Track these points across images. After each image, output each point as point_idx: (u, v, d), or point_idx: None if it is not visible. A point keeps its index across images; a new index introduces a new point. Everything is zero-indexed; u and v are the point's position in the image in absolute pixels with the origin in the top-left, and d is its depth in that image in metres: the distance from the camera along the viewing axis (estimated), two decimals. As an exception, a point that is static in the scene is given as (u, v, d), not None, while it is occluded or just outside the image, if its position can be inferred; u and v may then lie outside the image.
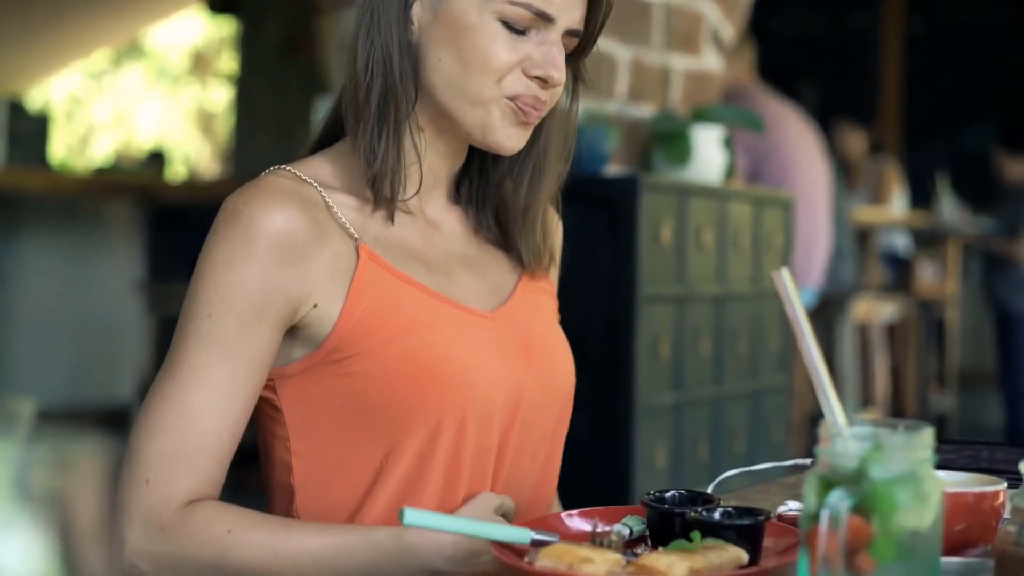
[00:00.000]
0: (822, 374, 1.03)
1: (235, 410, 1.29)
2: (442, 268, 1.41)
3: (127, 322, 5.15)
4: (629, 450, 2.81)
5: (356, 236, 1.35)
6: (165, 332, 4.24)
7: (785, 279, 1.03)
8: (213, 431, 1.28)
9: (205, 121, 13.21)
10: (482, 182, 1.47)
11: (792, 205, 3.53)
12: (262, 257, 1.28)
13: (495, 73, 1.34)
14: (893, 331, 5.63)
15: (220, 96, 12.63)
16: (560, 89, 1.39)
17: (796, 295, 1.04)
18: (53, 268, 5.14)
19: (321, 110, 3.67)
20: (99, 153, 12.78)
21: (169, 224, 5.12)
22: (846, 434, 0.98)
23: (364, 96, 1.36)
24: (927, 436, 0.99)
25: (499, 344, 1.39)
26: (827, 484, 0.97)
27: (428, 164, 1.40)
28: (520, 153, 1.42)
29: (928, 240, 6.68)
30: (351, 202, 1.37)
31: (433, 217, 1.43)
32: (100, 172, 6.46)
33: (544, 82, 1.35)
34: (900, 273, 6.50)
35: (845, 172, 6.44)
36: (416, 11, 1.37)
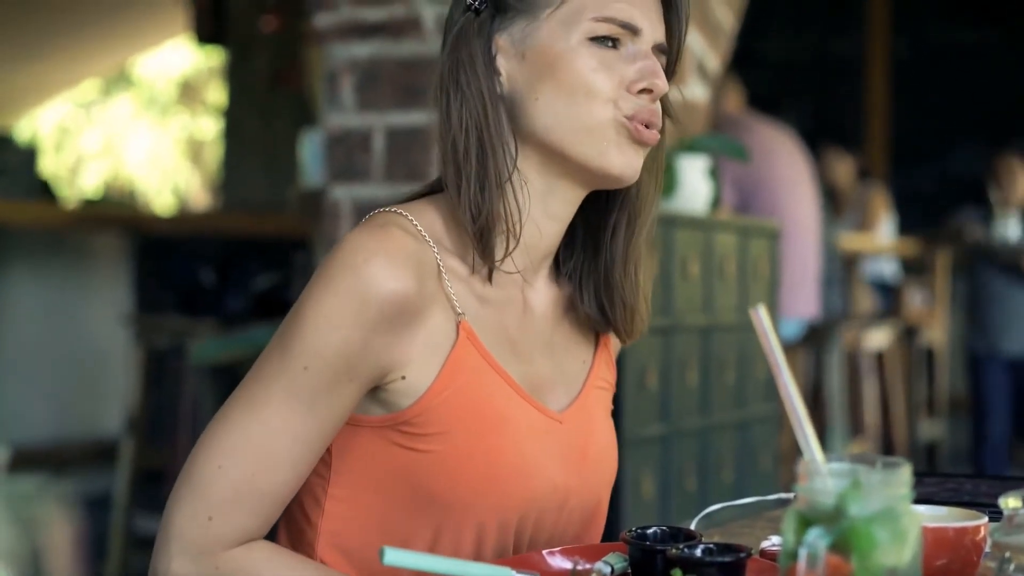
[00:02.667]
0: (800, 411, 1.02)
1: (307, 461, 1.28)
2: (527, 356, 1.37)
3: (115, 354, 5.14)
4: (616, 481, 2.80)
5: (460, 311, 1.31)
6: (153, 364, 4.23)
7: (762, 316, 1.03)
8: (283, 481, 1.26)
9: (194, 150, 13.22)
10: (587, 255, 1.42)
11: (778, 235, 3.53)
12: (371, 323, 1.25)
13: (603, 95, 1.31)
14: (882, 358, 5.63)
15: (209, 125, 12.64)
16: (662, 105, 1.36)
17: (773, 332, 1.04)
18: (40, 300, 5.14)
19: (308, 140, 3.68)
20: (88, 183, 12.78)
21: (157, 256, 5.11)
22: (824, 472, 0.98)
23: (463, 155, 1.31)
24: (905, 473, 0.99)
25: (561, 450, 1.36)
26: (805, 522, 0.96)
27: (542, 231, 1.36)
28: (616, 204, 1.39)
29: (916, 267, 6.69)
30: (460, 269, 1.33)
31: (531, 299, 1.39)
32: (88, 204, 6.47)
33: (650, 92, 1.33)
34: (888, 300, 6.51)
35: (832, 199, 6.46)
36: (501, 62, 1.34)
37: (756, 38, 6.90)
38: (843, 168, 6.71)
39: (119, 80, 12.66)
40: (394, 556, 1.12)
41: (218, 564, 1.25)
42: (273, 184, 6.74)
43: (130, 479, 4.14)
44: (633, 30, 1.33)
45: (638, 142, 1.33)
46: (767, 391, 3.42)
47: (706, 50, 3.62)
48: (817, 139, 6.55)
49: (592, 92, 1.31)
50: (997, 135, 6.87)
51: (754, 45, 6.88)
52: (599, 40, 1.32)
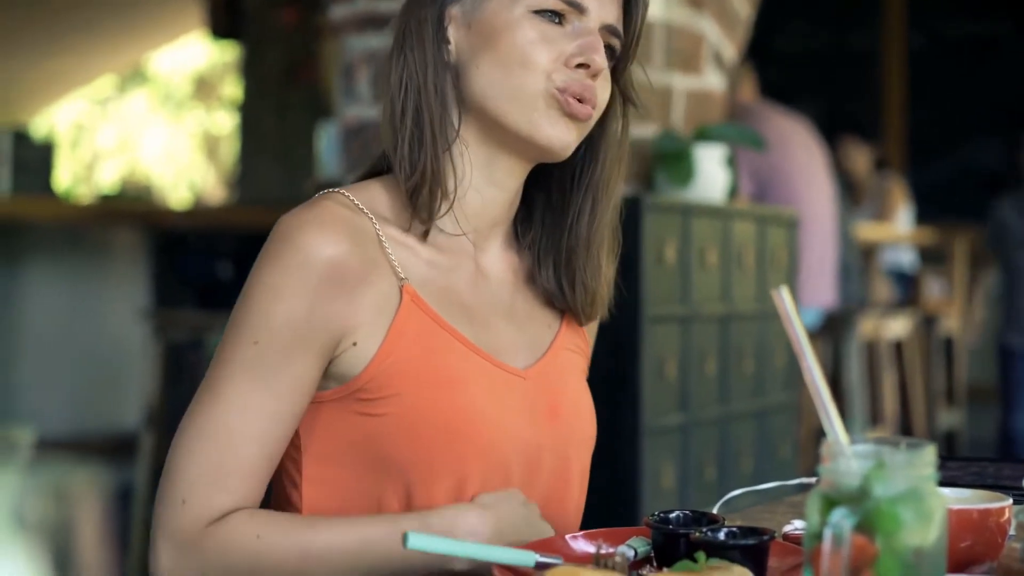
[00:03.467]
0: (823, 393, 1.02)
1: (275, 436, 1.29)
2: (483, 319, 1.38)
3: (132, 349, 5.15)
4: (636, 471, 2.80)
5: (403, 276, 1.33)
6: (171, 358, 4.24)
7: (785, 298, 1.03)
8: (251, 455, 1.28)
9: (210, 145, 13.24)
10: (546, 230, 1.44)
11: (796, 223, 3.52)
12: (312, 289, 1.28)
13: (538, 68, 1.33)
14: (900, 348, 5.61)
15: (224, 121, 12.66)
16: (606, 91, 1.38)
17: (796, 314, 1.03)
18: (58, 296, 5.15)
19: (324, 134, 3.68)
20: (104, 180, 12.81)
21: (174, 251, 5.12)
22: (848, 453, 0.98)
23: (399, 116, 1.35)
24: (929, 453, 0.99)
25: (527, 405, 1.37)
26: (830, 503, 0.96)
27: (484, 198, 1.38)
28: (581, 186, 1.41)
29: (934, 256, 6.67)
30: (402, 237, 1.35)
31: (485, 264, 1.41)
32: (105, 199, 6.48)
33: (587, 67, 1.34)
34: (906, 290, 6.49)
35: (850, 189, 6.44)
36: (451, 31, 1.37)
37: (773, 31, 6.89)
38: (861, 158, 6.69)
39: (135, 76, 12.68)
40: (417, 540, 1.12)
41: (200, 544, 1.26)
42: (289, 178, 6.75)
43: (150, 473, 4.15)
44: (579, 8, 1.35)
45: (569, 115, 1.34)
46: (786, 380, 3.41)
47: (722, 40, 3.61)
48: (834, 132, 6.53)
49: (527, 63, 1.33)
50: (1014, 127, 6.84)
51: (771, 38, 6.86)
52: (543, 14, 1.34)
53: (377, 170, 1.42)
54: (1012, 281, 5.88)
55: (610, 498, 2.78)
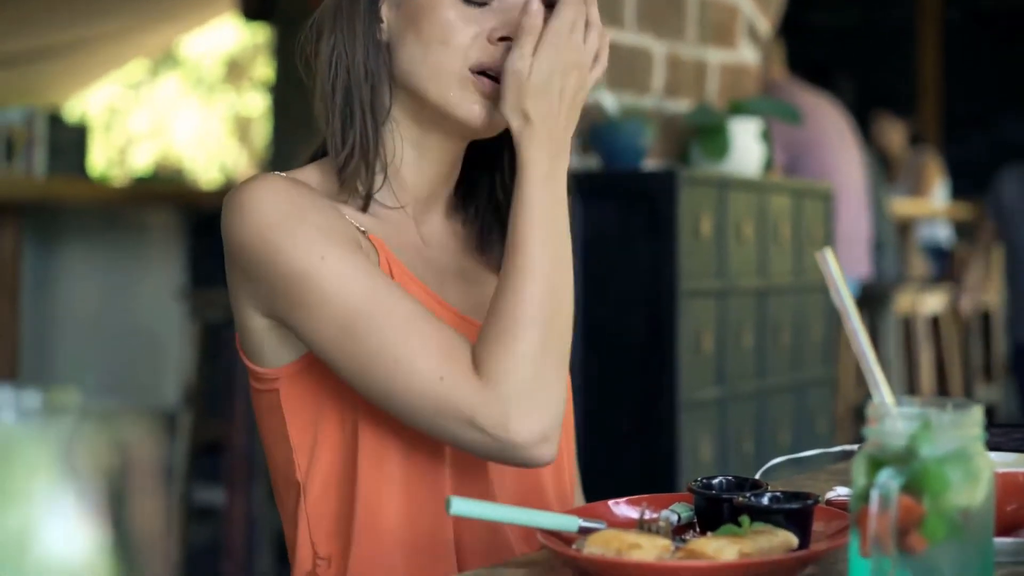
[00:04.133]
0: (869, 355, 1.02)
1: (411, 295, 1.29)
2: (436, 279, 1.40)
3: (170, 329, 5.18)
4: (673, 445, 2.80)
5: (362, 229, 1.35)
6: (208, 338, 4.26)
7: (829, 259, 1.02)
8: (426, 311, 1.27)
9: (242, 128, 13.27)
10: (491, 206, 1.45)
11: (832, 196, 3.51)
12: (311, 206, 1.29)
13: (455, 46, 1.33)
14: (937, 323, 5.59)
15: (256, 103, 12.69)
16: None
17: (840, 276, 1.03)
18: (94, 277, 5.18)
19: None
20: (138, 164, 12.86)
21: (209, 231, 5.14)
22: (895, 413, 0.97)
23: (331, 94, 1.36)
24: (976, 414, 0.98)
25: None
26: (876, 464, 0.96)
27: (420, 172, 1.39)
28: (499, 146, 1.42)
29: (970, 231, 6.63)
30: (342, 208, 1.36)
31: (425, 233, 1.42)
32: (139, 181, 6.51)
33: (510, 39, 1.33)
34: (943, 265, 6.45)
35: (885, 164, 6.40)
36: (384, 10, 1.38)
37: (807, 6, 6.84)
38: (896, 134, 6.65)
39: (166, 60, 12.72)
40: (461, 506, 1.13)
41: (495, 395, 1.24)
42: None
43: (189, 451, 4.18)
44: None
45: (483, 94, 1.34)
46: (824, 353, 3.40)
47: (757, 13, 3.59)
48: (868, 107, 6.49)
49: (446, 41, 1.33)
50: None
51: (805, 13, 6.81)
52: None
53: (315, 159, 1.43)
54: (1015, 269, 5.59)
55: (649, 472, 2.78)
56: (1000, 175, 5.58)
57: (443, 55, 1.33)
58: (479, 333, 1.27)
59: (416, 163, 1.39)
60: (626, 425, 2.82)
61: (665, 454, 2.80)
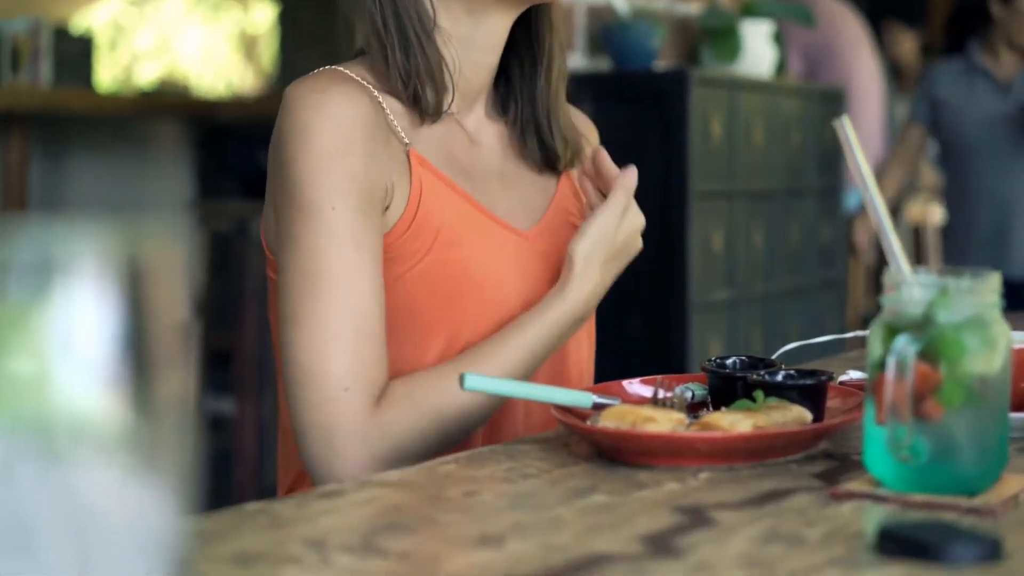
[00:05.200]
0: (885, 223, 1.01)
1: (381, 292, 1.28)
2: (482, 182, 1.40)
3: (178, 240, 5.17)
4: (684, 346, 2.80)
5: (407, 141, 1.34)
6: (216, 248, 4.25)
7: (847, 128, 1.01)
8: (378, 318, 1.26)
9: (247, 45, 13.18)
10: (525, 99, 1.44)
11: (842, 99, 3.48)
12: (359, 144, 1.28)
13: None
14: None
15: (262, 19, 12.59)
16: None
17: (857, 145, 1.02)
18: (102, 188, 5.17)
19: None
20: (143, 81, 12.79)
21: (216, 141, 5.12)
22: (912, 281, 0.97)
23: (382, 27, 1.35)
24: (994, 281, 0.98)
25: (530, 264, 1.39)
26: (893, 332, 0.95)
27: (471, 65, 1.39)
28: (542, 41, 1.42)
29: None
30: (397, 107, 1.36)
31: (472, 131, 1.42)
32: (146, 94, 6.47)
33: None
34: (953, 176, 6.40)
35: (896, 75, 6.35)
36: None
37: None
38: (907, 44, 6.58)
39: (171, -24, 12.60)
40: (474, 382, 1.12)
41: (382, 420, 1.23)
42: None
43: (199, 362, 4.19)
44: None
45: None
46: (832, 257, 3.39)
47: (768, -86, 3.54)
48: (880, 17, 6.42)
49: None
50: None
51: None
52: None
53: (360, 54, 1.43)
54: (964, 182, 3.96)
55: (658, 374, 2.78)
56: (928, 70, 4.37)
57: None
58: (407, 377, 1.26)
59: (467, 58, 1.38)
60: (637, 327, 2.82)
61: (675, 356, 2.80)
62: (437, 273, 1.32)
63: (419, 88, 1.34)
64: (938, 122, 3.97)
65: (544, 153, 1.45)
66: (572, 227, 1.45)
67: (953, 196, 4.02)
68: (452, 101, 1.37)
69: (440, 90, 1.36)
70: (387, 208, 1.31)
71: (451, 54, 1.37)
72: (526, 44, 1.44)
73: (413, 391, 1.25)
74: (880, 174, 4.06)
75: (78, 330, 0.47)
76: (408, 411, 1.24)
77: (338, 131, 1.28)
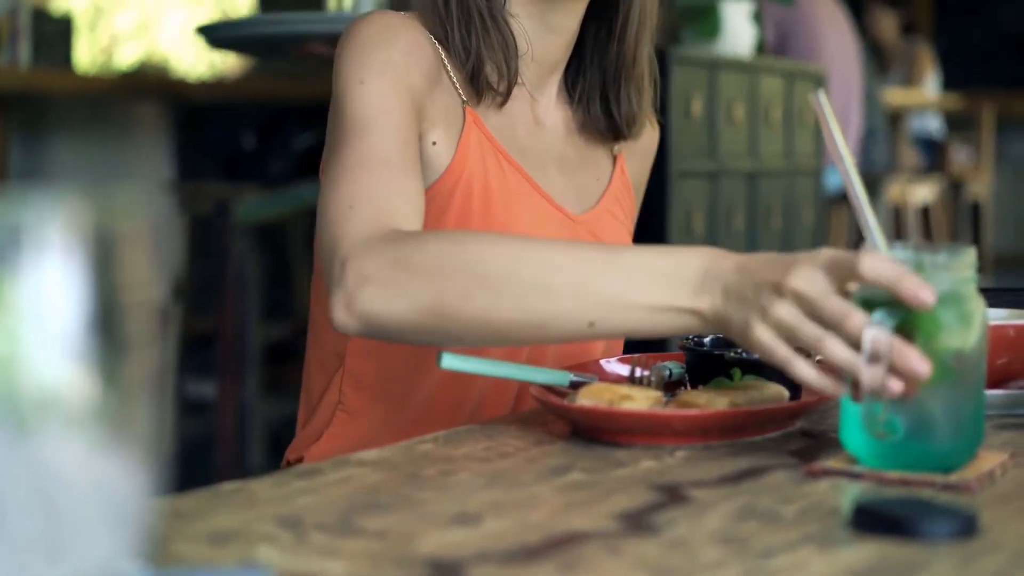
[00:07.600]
0: (861, 196, 1.01)
1: (413, 145, 1.26)
2: (539, 162, 1.38)
3: (158, 223, 5.16)
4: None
5: (464, 99, 1.33)
6: (197, 231, 4.24)
7: (823, 102, 1.01)
8: (399, 153, 1.23)
9: (228, 27, 13.11)
10: (594, 68, 1.42)
11: (823, 79, 3.48)
12: (402, 46, 1.28)
13: None
14: (927, 213, 5.58)
15: (243, 1, 12.53)
16: None
17: (833, 119, 1.02)
18: (81, 169, 5.15)
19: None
20: (123, 62, 12.73)
21: (196, 123, 5.10)
22: (888, 254, 0.97)
23: (444, 4, 1.33)
24: (970, 256, 0.98)
25: None
26: (869, 307, 0.95)
27: (543, 45, 1.37)
28: (622, 11, 1.38)
29: (961, 123, 6.60)
30: (460, 66, 1.34)
31: (540, 113, 1.41)
32: (126, 76, 6.44)
33: None
34: (933, 156, 6.43)
35: (877, 54, 6.35)
36: None
37: None
38: (888, 23, 6.59)
39: (151, -43, 12.54)
40: (452, 361, 1.12)
41: (391, 236, 1.15)
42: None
43: (179, 345, 4.18)
44: None
45: None
46: (814, 238, 3.40)
47: None
48: (862, -6, 6.42)
49: None
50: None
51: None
52: None
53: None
54: None
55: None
56: None
57: None
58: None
59: (540, 37, 1.36)
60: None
61: (656, 340, 2.79)
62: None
63: (477, 67, 1.32)
64: None
65: (609, 122, 1.42)
66: (620, 224, 1.44)
67: None
68: (513, 85, 1.34)
69: (502, 76, 1.33)
70: (424, 150, 1.29)
71: (523, 36, 1.35)
72: (604, 10, 1.40)
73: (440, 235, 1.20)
74: None
75: (46, 303, 0.46)
76: (428, 241, 1.15)
77: (385, 32, 1.28)
